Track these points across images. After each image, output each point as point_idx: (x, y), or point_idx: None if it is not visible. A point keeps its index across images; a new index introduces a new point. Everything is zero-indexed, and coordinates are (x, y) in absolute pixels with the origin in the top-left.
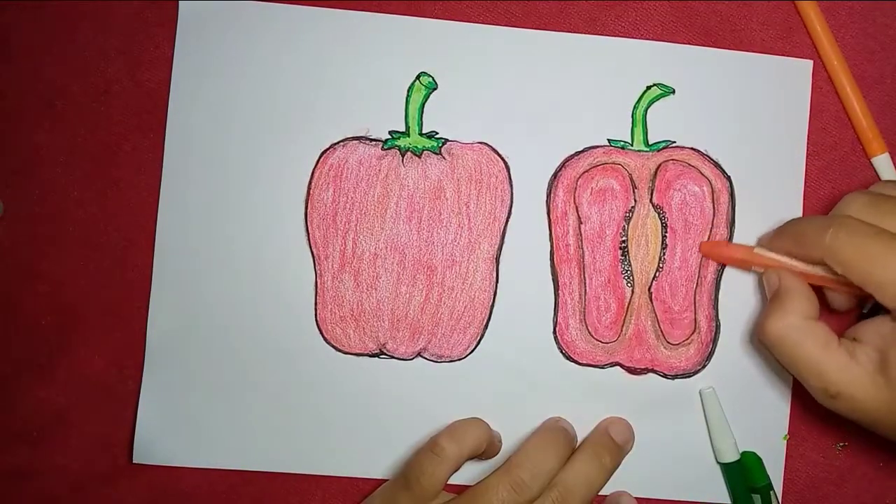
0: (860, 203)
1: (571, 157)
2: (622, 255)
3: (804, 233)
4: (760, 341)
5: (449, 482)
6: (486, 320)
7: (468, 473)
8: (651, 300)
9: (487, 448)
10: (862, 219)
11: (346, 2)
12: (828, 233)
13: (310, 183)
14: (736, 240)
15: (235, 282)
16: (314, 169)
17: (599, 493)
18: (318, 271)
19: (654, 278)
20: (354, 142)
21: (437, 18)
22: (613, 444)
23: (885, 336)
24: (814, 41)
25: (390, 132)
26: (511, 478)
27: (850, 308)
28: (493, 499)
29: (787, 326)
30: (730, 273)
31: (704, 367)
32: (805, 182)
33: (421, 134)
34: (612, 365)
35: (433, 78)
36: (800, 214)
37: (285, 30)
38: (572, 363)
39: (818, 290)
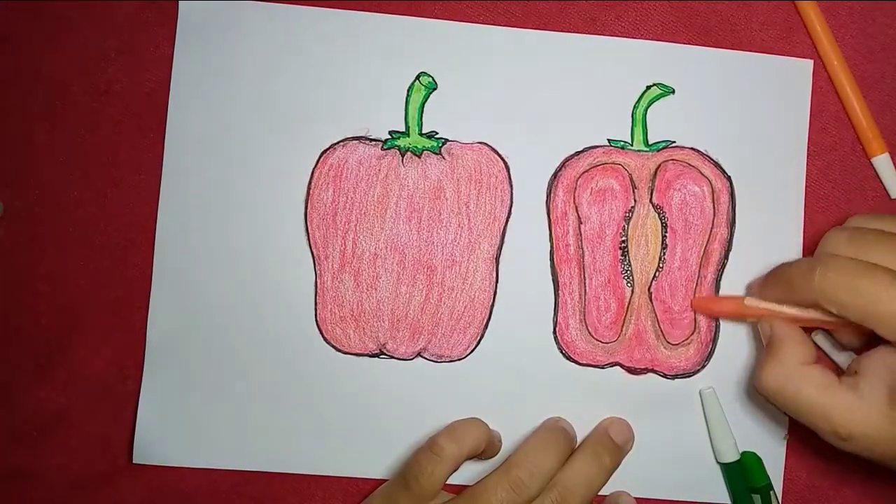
0: (842, 240)
1: (571, 157)
2: (622, 255)
3: (792, 278)
4: (760, 393)
5: (448, 482)
6: (486, 320)
7: (468, 473)
8: (651, 300)
9: (487, 448)
10: (847, 255)
11: (346, 2)
12: (815, 275)
13: (310, 183)
14: (736, 242)
15: (235, 282)
16: (314, 169)
17: (599, 493)
18: (318, 271)
19: (653, 278)
20: (354, 142)
21: (437, 18)
22: (613, 444)
23: (890, 367)
24: (814, 41)
25: (390, 132)
26: (510, 477)
27: (861, 344)
28: (491, 498)
29: (782, 375)
30: (730, 273)
31: (704, 367)
32: (805, 182)
33: (421, 134)
34: (612, 365)
35: (433, 78)
36: (801, 215)
37: (285, 30)
38: (572, 363)
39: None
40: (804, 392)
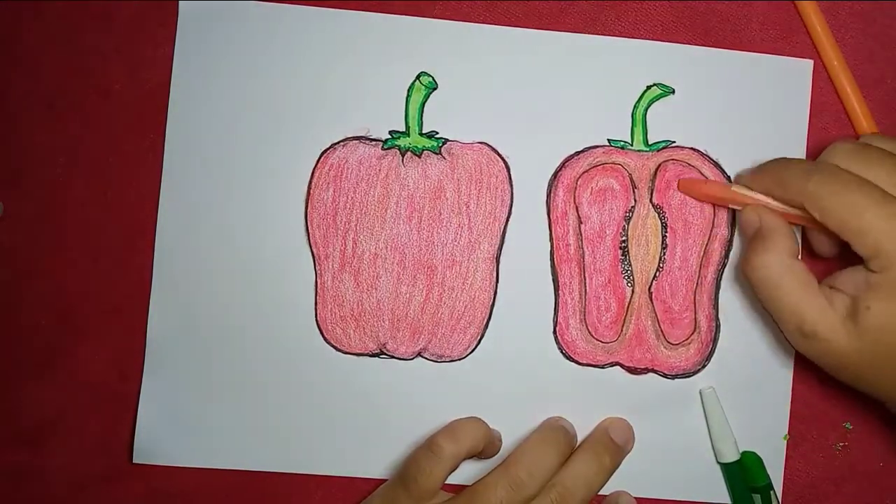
0: (845, 151)
1: (571, 156)
2: (622, 255)
3: (787, 176)
4: (745, 277)
5: (449, 482)
6: (486, 320)
7: (468, 473)
8: (651, 300)
9: (487, 447)
10: (846, 167)
11: (347, 2)
12: (811, 179)
13: (310, 183)
14: (736, 242)
15: (235, 282)
16: (314, 169)
17: (599, 493)
18: (319, 271)
19: (654, 278)
20: (355, 141)
21: (437, 18)
22: (613, 444)
23: (857, 284)
24: (814, 41)
25: (390, 132)
26: (509, 476)
27: (833, 254)
28: (490, 497)
29: (769, 264)
30: (730, 273)
31: (704, 366)
32: None
33: (421, 134)
34: (613, 365)
35: (433, 78)
36: None
37: (285, 30)
38: (572, 363)
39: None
40: (786, 284)
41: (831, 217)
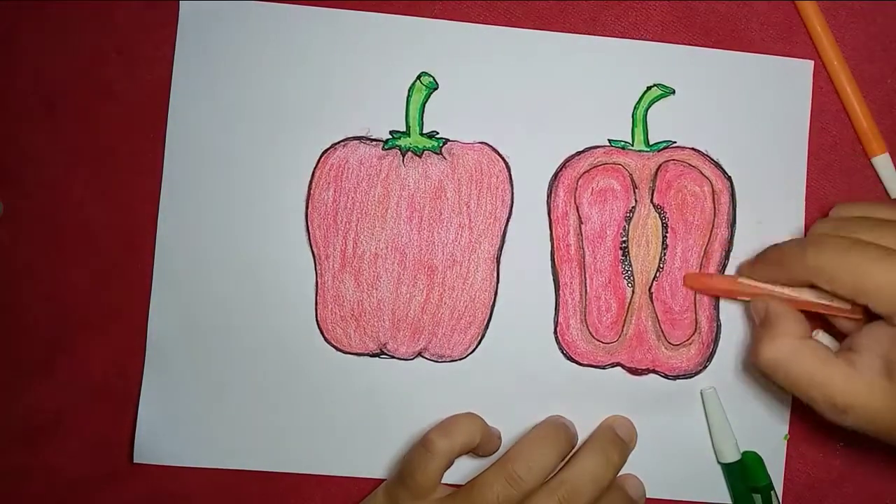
0: (829, 227)
1: (572, 157)
2: (623, 256)
3: (784, 257)
4: (757, 369)
5: (448, 482)
6: (486, 320)
7: (468, 471)
8: (652, 300)
9: (485, 444)
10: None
11: (347, 2)
12: (808, 252)
13: (310, 183)
14: (736, 242)
15: (236, 282)
16: (315, 169)
17: None
18: (319, 271)
19: (654, 278)
20: (355, 142)
21: (437, 18)
22: (619, 440)
23: (883, 341)
24: (814, 41)
25: (391, 132)
26: (507, 472)
27: (858, 328)
28: (488, 493)
29: (781, 349)
30: (730, 273)
31: (705, 367)
32: (805, 182)
33: (422, 134)
34: (613, 365)
35: (434, 78)
36: (802, 215)
37: (285, 30)
38: (573, 363)
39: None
40: (803, 364)
41: (840, 284)
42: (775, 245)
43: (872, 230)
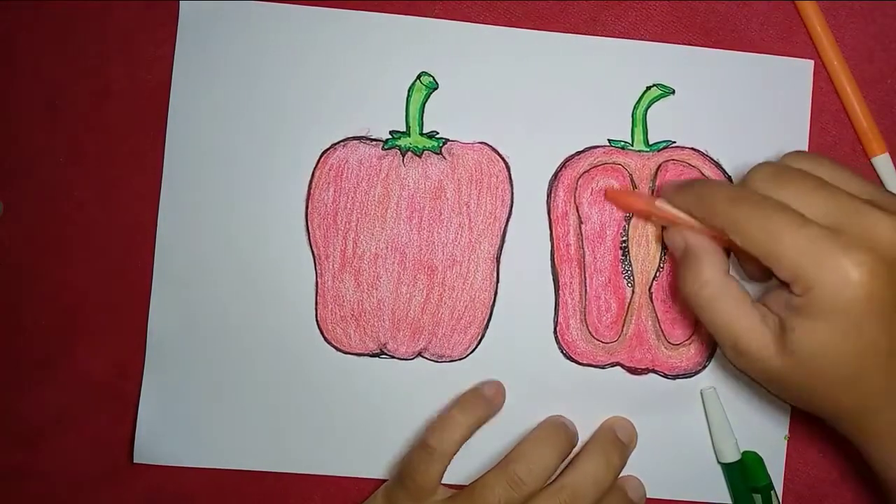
0: (764, 175)
1: (572, 157)
2: (623, 255)
3: (710, 200)
4: (683, 299)
5: (450, 483)
6: (486, 320)
7: (469, 472)
8: (651, 300)
9: (490, 417)
10: (765, 191)
11: (347, 2)
12: (732, 205)
13: (310, 183)
14: None
15: (236, 282)
16: (315, 169)
17: None
18: (319, 271)
19: (654, 278)
20: (355, 142)
21: (437, 18)
22: (620, 442)
23: (782, 305)
24: (814, 41)
25: (391, 132)
26: (508, 473)
27: (765, 279)
28: (489, 495)
29: (704, 283)
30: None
31: (705, 367)
32: None
33: (421, 134)
34: (613, 365)
35: (434, 78)
36: None
37: (285, 30)
38: (573, 363)
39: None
40: (722, 303)
41: (751, 243)
42: (703, 183)
43: (805, 194)
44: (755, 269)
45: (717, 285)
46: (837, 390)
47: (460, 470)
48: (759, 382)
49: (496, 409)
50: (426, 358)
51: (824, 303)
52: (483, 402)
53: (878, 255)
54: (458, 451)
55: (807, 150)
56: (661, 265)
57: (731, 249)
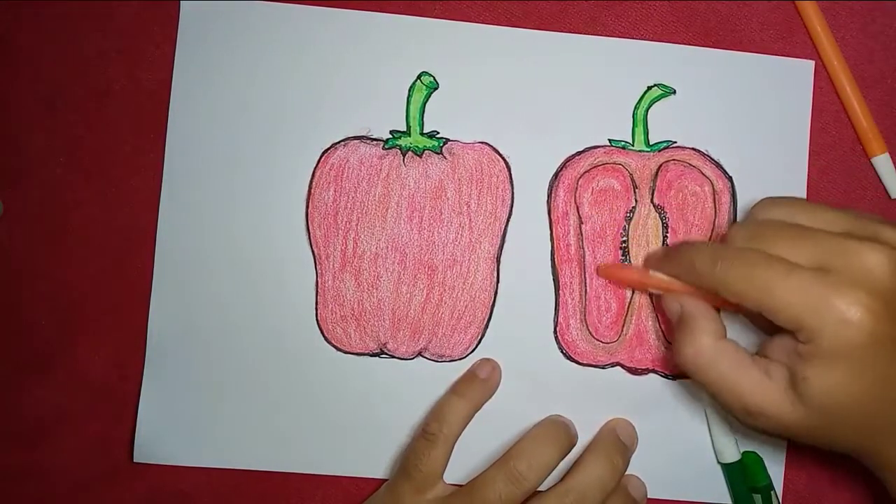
0: (743, 234)
1: (572, 157)
2: (623, 256)
3: (694, 263)
4: (680, 368)
5: (450, 481)
6: (486, 320)
7: (469, 470)
8: (652, 300)
9: (488, 393)
10: (748, 247)
11: (347, 2)
12: (717, 265)
13: (311, 182)
14: None
15: (236, 281)
16: (315, 168)
17: None
18: (319, 271)
19: None
20: (355, 141)
21: (437, 18)
22: (623, 445)
23: (790, 353)
24: (814, 41)
25: (391, 132)
26: (508, 469)
27: (774, 329)
28: (489, 491)
29: (699, 352)
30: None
31: None
32: (805, 182)
33: (422, 133)
34: (613, 365)
35: (434, 78)
36: None
37: (286, 30)
38: (573, 363)
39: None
40: (720, 368)
41: (746, 300)
42: (687, 245)
43: (788, 244)
44: (762, 321)
45: (712, 350)
46: (856, 429)
47: (461, 468)
48: (778, 437)
49: (493, 388)
50: (426, 358)
51: (831, 347)
52: (479, 383)
53: (871, 289)
54: (459, 434)
55: (807, 150)
56: None
57: (735, 308)
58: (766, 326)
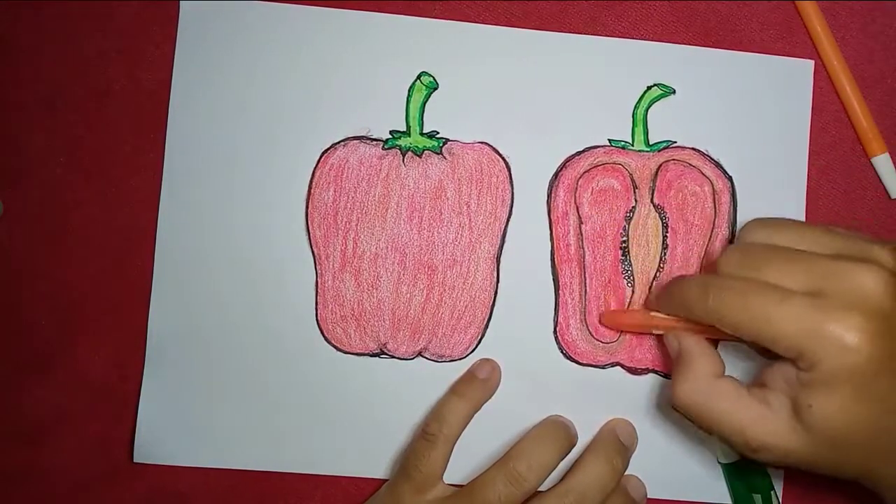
0: (734, 260)
1: (572, 156)
2: (623, 256)
3: (687, 298)
4: (675, 409)
5: (450, 482)
6: (486, 320)
7: (469, 470)
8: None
9: (488, 393)
10: (739, 274)
11: (347, 2)
12: (709, 297)
13: (311, 183)
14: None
15: (236, 281)
16: (315, 169)
17: None
18: (319, 271)
19: (654, 278)
20: (355, 141)
21: (437, 18)
22: (622, 446)
23: (790, 381)
24: (814, 41)
25: (391, 132)
26: (508, 470)
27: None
28: (489, 492)
29: (696, 390)
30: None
31: None
32: (805, 182)
33: (422, 134)
34: (613, 365)
35: (434, 78)
36: (802, 215)
37: (286, 30)
38: (573, 363)
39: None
40: (717, 406)
41: (742, 331)
42: (679, 281)
43: (779, 268)
44: (763, 348)
45: (709, 389)
46: (861, 453)
47: (461, 469)
48: (785, 467)
49: (493, 389)
50: (426, 358)
51: (834, 373)
52: (479, 383)
53: (867, 311)
54: (459, 435)
55: (807, 150)
56: (662, 265)
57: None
58: (767, 353)
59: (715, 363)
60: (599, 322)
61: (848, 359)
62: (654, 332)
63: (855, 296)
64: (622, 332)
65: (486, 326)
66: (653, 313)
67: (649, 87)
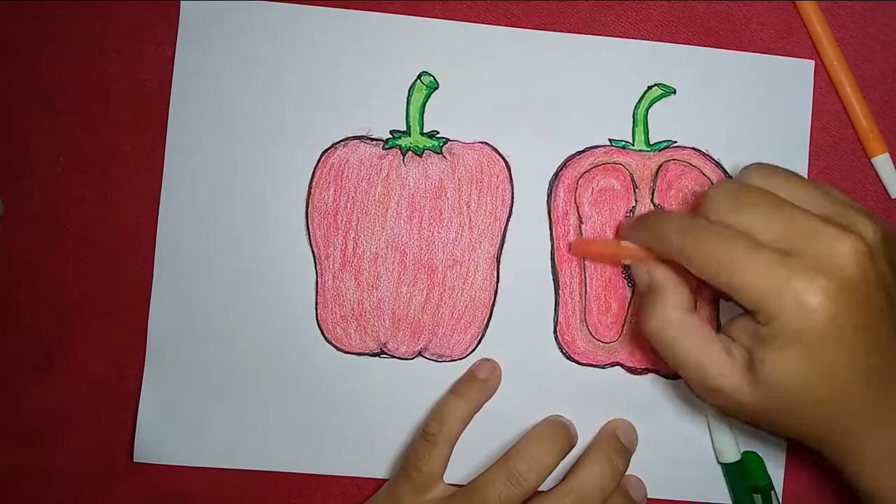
0: (722, 197)
1: (572, 156)
2: None
3: (663, 232)
4: (645, 339)
5: (450, 481)
6: (486, 320)
7: (469, 470)
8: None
9: (488, 394)
10: (721, 215)
11: (347, 2)
12: (684, 237)
13: (311, 182)
14: None
15: (236, 281)
16: (315, 168)
17: None
18: (319, 271)
19: None
20: (355, 141)
21: (437, 18)
22: (623, 446)
23: (750, 334)
24: (814, 41)
25: (391, 132)
26: (508, 470)
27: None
28: (489, 491)
29: (665, 322)
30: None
31: None
32: None
33: (422, 133)
34: (613, 365)
35: (434, 77)
36: None
37: (286, 30)
38: (572, 363)
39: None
40: (684, 339)
41: (706, 274)
42: (657, 216)
43: (762, 214)
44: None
45: (678, 323)
46: (809, 416)
47: (461, 468)
48: (733, 417)
49: (493, 389)
50: (426, 357)
51: (789, 331)
52: (479, 383)
53: (835, 277)
54: (459, 435)
55: (807, 150)
56: None
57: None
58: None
59: (687, 297)
60: (568, 251)
61: (804, 318)
62: (624, 262)
63: (826, 261)
64: (592, 260)
65: (486, 326)
66: (623, 242)
67: (650, 87)
